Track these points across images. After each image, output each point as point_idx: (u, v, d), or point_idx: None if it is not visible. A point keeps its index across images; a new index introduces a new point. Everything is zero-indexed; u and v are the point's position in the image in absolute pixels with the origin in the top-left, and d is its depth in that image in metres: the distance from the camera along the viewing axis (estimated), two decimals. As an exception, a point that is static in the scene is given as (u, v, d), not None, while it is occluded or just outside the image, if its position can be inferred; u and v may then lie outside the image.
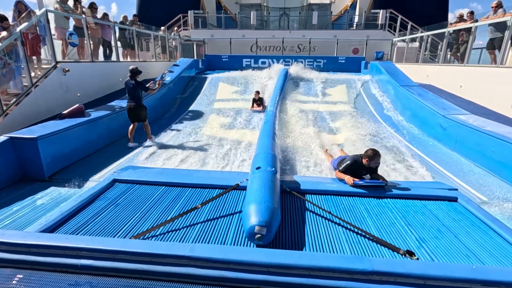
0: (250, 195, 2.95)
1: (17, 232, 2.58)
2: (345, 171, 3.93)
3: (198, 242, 2.66)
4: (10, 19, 5.92)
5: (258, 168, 3.47)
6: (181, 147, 5.92)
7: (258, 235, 2.49)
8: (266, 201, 2.74)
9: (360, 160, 3.86)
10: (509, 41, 6.72)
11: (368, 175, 3.91)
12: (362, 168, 3.86)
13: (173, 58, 13.93)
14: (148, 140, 5.99)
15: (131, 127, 5.85)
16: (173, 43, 14.69)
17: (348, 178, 3.80)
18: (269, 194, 2.89)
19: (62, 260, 2.18)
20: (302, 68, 12.19)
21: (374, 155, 3.72)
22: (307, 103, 9.24)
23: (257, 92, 8.87)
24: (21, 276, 2.10)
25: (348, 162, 3.93)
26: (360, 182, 3.73)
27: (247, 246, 2.65)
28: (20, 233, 2.44)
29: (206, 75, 11.77)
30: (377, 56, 14.40)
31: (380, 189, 3.70)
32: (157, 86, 6.18)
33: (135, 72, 5.68)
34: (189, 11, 17.76)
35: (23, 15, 6.14)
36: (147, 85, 5.97)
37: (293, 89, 10.50)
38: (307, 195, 3.60)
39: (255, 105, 8.71)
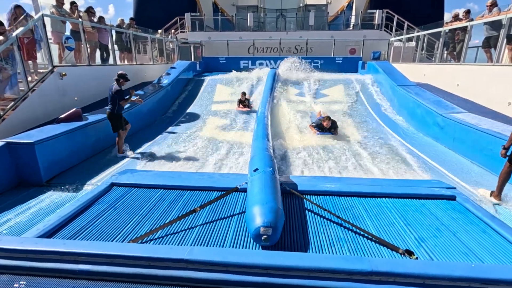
0: (252, 197, 2.94)
1: (14, 238, 2.56)
2: (314, 127, 6.85)
3: (197, 245, 2.64)
4: (5, 23, 5.90)
5: (256, 170, 3.47)
6: (179, 149, 5.91)
7: (265, 236, 2.48)
8: (269, 201, 2.73)
9: (321, 122, 6.66)
10: (505, 40, 6.76)
11: (335, 130, 6.67)
12: (325, 127, 6.61)
13: (171, 61, 13.93)
14: (118, 154, 5.46)
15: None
16: (171, 45, 14.70)
17: (314, 131, 6.77)
18: (271, 194, 2.88)
19: (60, 266, 2.16)
20: (297, 65, 12.09)
21: (327, 120, 6.57)
22: (303, 104, 9.24)
23: (243, 93, 8.96)
24: (19, 282, 2.08)
25: (314, 123, 6.92)
26: (319, 134, 6.64)
27: (247, 248, 2.64)
28: (17, 239, 2.42)
29: (204, 77, 11.78)
30: (374, 56, 14.45)
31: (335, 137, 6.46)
32: (130, 99, 5.61)
33: (122, 77, 5.35)
34: (186, 14, 17.77)
35: (20, 19, 6.13)
36: (126, 97, 5.45)
37: (288, 89, 10.51)
38: (306, 195, 3.59)
39: (240, 105, 8.79)
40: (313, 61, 13.12)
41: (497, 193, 3.82)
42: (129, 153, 5.57)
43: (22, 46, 5.73)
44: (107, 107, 5.35)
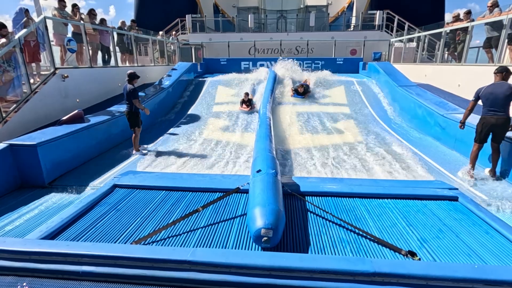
0: (253, 198, 2.94)
1: (17, 239, 2.57)
2: (293, 90, 9.90)
3: (200, 246, 2.65)
4: (10, 26, 5.94)
5: (258, 171, 3.47)
6: (181, 151, 5.92)
7: (265, 238, 2.48)
8: (270, 203, 2.73)
9: (297, 88, 9.74)
10: (506, 40, 6.75)
11: (306, 94, 9.69)
12: (299, 91, 9.64)
13: (172, 62, 13.97)
14: (134, 151, 5.68)
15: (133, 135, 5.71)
16: (172, 47, 14.74)
17: (292, 93, 9.89)
18: (273, 196, 2.88)
19: (63, 267, 2.17)
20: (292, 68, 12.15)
21: (300, 86, 9.75)
22: (303, 105, 9.25)
23: (246, 94, 9.01)
24: (22, 284, 2.09)
25: (293, 88, 10.00)
26: (294, 96, 9.77)
27: (249, 249, 2.65)
28: (20, 241, 2.43)
29: (205, 79, 11.80)
30: (375, 57, 14.44)
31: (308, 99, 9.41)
32: (142, 107, 5.70)
33: (132, 77, 5.50)
34: (187, 15, 17.84)
35: (22, 21, 6.17)
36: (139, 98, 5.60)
37: (288, 90, 10.52)
38: (308, 196, 3.60)
39: (244, 105, 8.83)
40: (314, 62, 13.14)
41: (472, 171, 4.55)
42: (145, 151, 5.76)
43: (25, 48, 5.75)
44: (125, 107, 5.61)
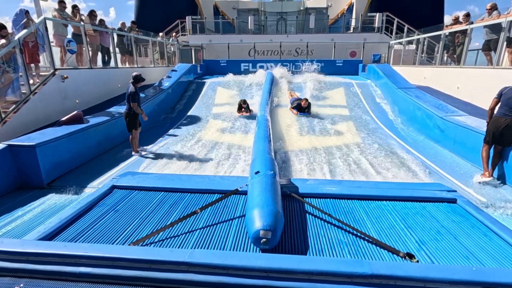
0: (252, 200, 2.94)
1: (15, 240, 2.56)
2: (293, 108, 8.59)
3: (198, 248, 2.64)
4: (9, 27, 5.95)
5: (257, 172, 3.47)
6: (180, 152, 5.92)
7: (264, 240, 2.48)
8: (269, 204, 2.72)
9: (300, 103, 8.39)
10: (505, 43, 6.77)
11: (307, 110, 8.42)
12: (302, 107, 8.38)
13: (172, 64, 13.99)
14: (132, 152, 5.70)
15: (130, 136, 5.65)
16: (171, 48, 14.76)
17: (296, 112, 8.46)
18: (271, 197, 2.87)
19: (61, 268, 2.16)
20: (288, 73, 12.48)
21: (304, 100, 8.43)
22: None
23: (243, 101, 8.88)
24: (20, 285, 2.08)
25: (294, 104, 8.64)
26: (300, 115, 8.37)
27: (247, 251, 2.64)
28: (18, 241, 2.42)
29: (205, 80, 11.82)
30: (374, 59, 14.49)
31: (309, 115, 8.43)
32: (141, 112, 5.60)
33: (136, 79, 5.45)
34: (187, 17, 17.90)
35: (23, 22, 6.18)
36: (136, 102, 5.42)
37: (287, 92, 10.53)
38: (306, 198, 3.60)
39: (242, 109, 8.72)
40: (314, 63, 13.18)
41: (486, 172, 4.45)
42: (144, 152, 5.76)
43: (24, 49, 5.76)
44: (124, 108, 5.57)
